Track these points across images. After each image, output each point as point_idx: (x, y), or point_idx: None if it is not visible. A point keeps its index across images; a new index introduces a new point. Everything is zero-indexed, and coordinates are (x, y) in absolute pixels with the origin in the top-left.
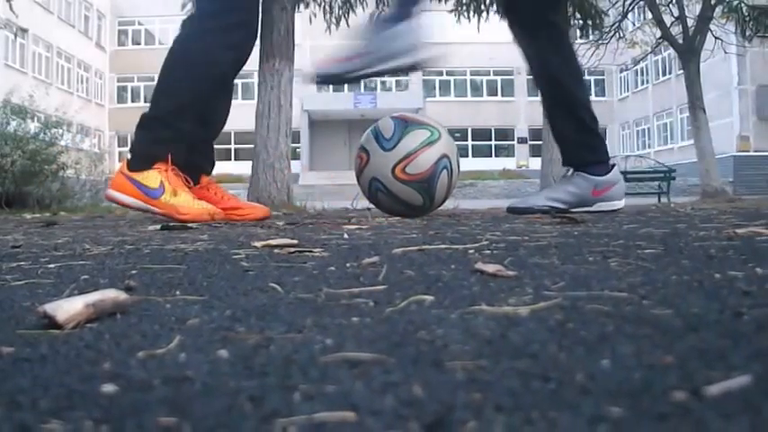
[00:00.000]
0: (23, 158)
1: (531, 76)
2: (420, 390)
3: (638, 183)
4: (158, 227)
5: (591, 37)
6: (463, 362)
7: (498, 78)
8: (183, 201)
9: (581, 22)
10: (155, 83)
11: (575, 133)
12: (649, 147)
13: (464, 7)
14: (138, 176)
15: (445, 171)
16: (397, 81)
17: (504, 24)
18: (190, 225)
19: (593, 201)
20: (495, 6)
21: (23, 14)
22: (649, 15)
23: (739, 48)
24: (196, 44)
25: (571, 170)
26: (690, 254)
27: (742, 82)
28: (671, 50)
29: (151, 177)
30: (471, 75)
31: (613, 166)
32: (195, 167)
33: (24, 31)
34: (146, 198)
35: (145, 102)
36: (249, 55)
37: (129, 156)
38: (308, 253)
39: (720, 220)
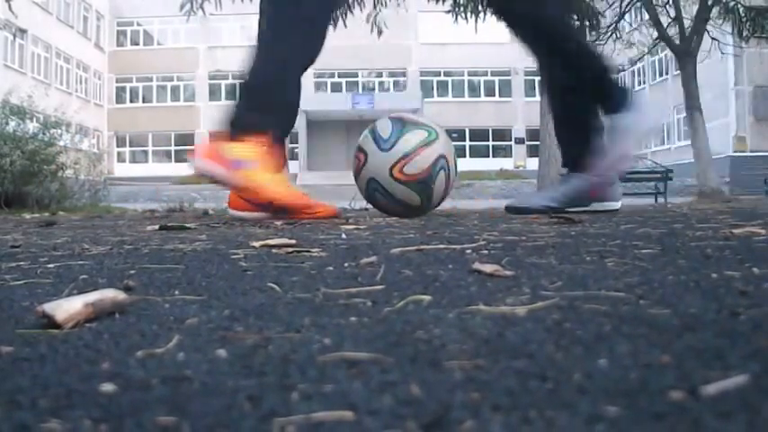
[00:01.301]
0: (22, 159)
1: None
2: (418, 389)
3: (635, 183)
4: (157, 227)
5: (588, 38)
6: (461, 361)
7: (496, 79)
8: (273, 181)
9: (578, 23)
10: (153, 83)
11: (575, 135)
12: (646, 147)
13: (461, 8)
14: (228, 145)
15: (443, 171)
16: (394, 82)
17: (502, 25)
18: (188, 225)
19: (589, 201)
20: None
21: (22, 15)
22: (646, 16)
23: (736, 48)
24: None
25: (567, 170)
26: (687, 254)
27: (739, 83)
28: (668, 51)
29: (243, 148)
30: (469, 75)
31: None
32: None
33: (23, 31)
34: (227, 165)
35: (144, 102)
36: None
37: (226, 129)
38: (306, 253)
39: (717, 221)
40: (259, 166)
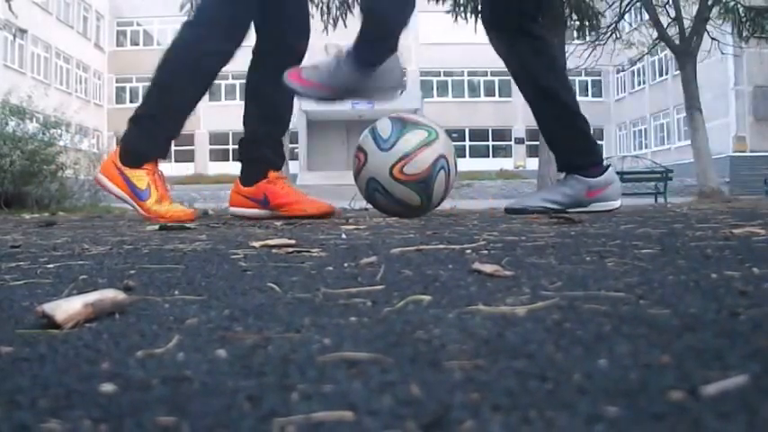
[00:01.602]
0: (22, 159)
1: (518, 87)
2: (418, 389)
3: (635, 183)
4: (157, 227)
5: (588, 38)
6: (461, 361)
7: (495, 79)
8: (166, 210)
9: (578, 23)
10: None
11: (566, 140)
12: (646, 147)
13: (461, 8)
14: (129, 173)
15: (443, 171)
16: None
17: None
18: (188, 225)
19: (587, 201)
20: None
21: (22, 15)
22: (646, 16)
23: (736, 48)
24: (187, 52)
25: (564, 174)
26: (687, 254)
27: (738, 83)
28: (667, 51)
29: (140, 178)
30: (468, 75)
31: (608, 167)
32: (264, 162)
33: (23, 31)
34: (133, 196)
35: None
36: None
37: (119, 148)
38: (306, 253)
39: (717, 221)
40: (152, 197)
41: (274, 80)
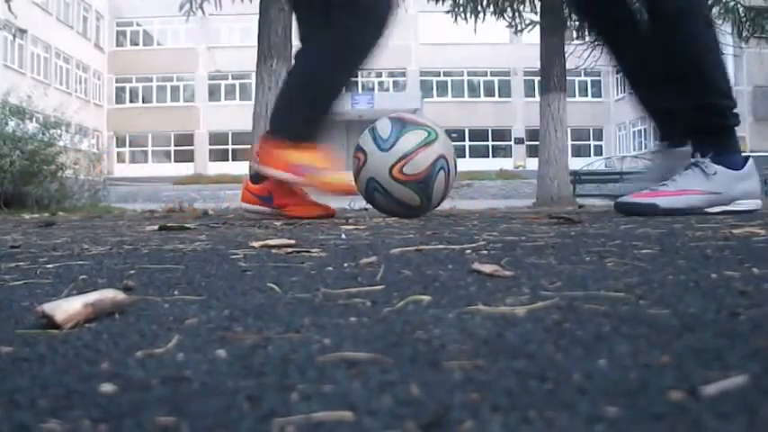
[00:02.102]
0: (22, 159)
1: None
2: (417, 389)
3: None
4: (156, 227)
5: (587, 38)
6: (460, 362)
7: (495, 79)
8: (331, 178)
9: (577, 23)
10: (153, 83)
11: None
12: (646, 147)
13: (461, 8)
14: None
15: (442, 171)
16: (394, 82)
17: (501, 25)
18: (188, 225)
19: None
20: (491, 7)
21: (22, 15)
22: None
23: (735, 48)
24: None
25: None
26: (686, 254)
27: (738, 83)
28: None
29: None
30: (468, 75)
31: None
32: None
33: (23, 31)
34: (297, 171)
35: (143, 102)
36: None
37: (274, 134)
38: (305, 253)
39: (717, 221)
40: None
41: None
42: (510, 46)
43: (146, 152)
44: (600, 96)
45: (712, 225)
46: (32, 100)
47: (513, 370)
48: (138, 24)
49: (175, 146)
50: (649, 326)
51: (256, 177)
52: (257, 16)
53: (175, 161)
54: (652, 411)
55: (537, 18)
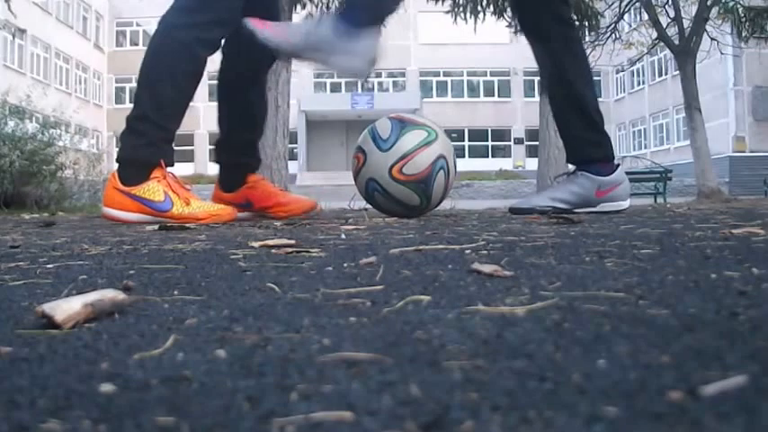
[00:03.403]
0: (21, 159)
1: (540, 77)
2: (417, 389)
3: (634, 183)
4: (156, 227)
5: (587, 38)
6: (460, 362)
7: (495, 79)
8: (198, 208)
9: (578, 23)
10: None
11: (582, 131)
12: (645, 147)
13: (460, 8)
14: (137, 190)
15: (442, 171)
16: (394, 82)
17: (501, 25)
18: (188, 225)
19: (596, 201)
20: (491, 8)
21: (22, 15)
22: (645, 16)
23: (735, 49)
24: (172, 39)
25: (574, 169)
26: (686, 254)
27: (738, 83)
28: (667, 51)
29: (152, 189)
30: (468, 75)
31: (618, 165)
32: (241, 167)
33: (22, 31)
34: (155, 212)
35: None
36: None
37: (117, 168)
38: (305, 253)
39: (716, 221)
40: (175, 203)
41: (250, 81)
42: (510, 46)
43: None
44: (600, 96)
45: (712, 225)
46: (32, 100)
47: (512, 370)
48: (137, 24)
49: (175, 146)
50: (649, 326)
51: (227, 186)
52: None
53: (175, 161)
54: (651, 411)
55: None
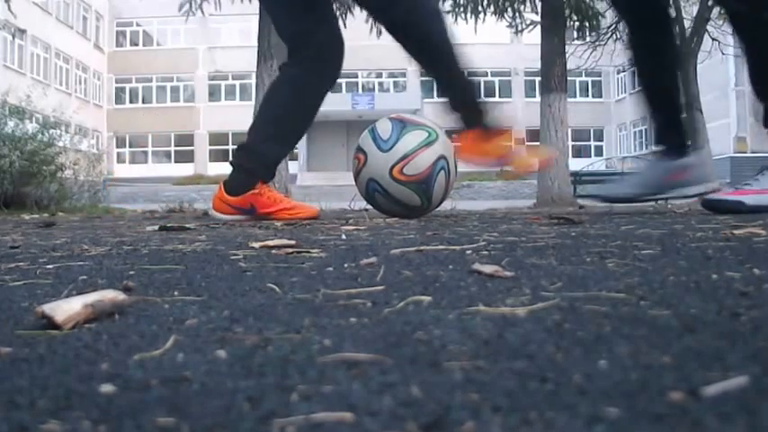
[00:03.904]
0: (21, 159)
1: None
2: (418, 390)
3: None
4: (156, 227)
5: (588, 38)
6: (461, 362)
7: (496, 80)
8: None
9: (578, 23)
10: (153, 83)
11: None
12: (647, 148)
13: (461, 8)
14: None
15: (443, 172)
16: (394, 82)
17: (501, 25)
18: (188, 226)
19: (681, 184)
20: (492, 8)
21: (21, 15)
22: None
23: (736, 49)
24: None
25: (663, 149)
26: (687, 254)
27: (739, 83)
28: None
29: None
30: (468, 76)
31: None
32: (257, 174)
33: (22, 31)
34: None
35: (143, 102)
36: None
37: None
38: (305, 254)
39: (718, 221)
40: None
41: (311, 110)
42: (510, 46)
43: (146, 153)
44: (600, 96)
45: (713, 226)
46: (32, 100)
47: (513, 371)
48: (137, 24)
49: (175, 146)
50: (650, 327)
51: (234, 189)
52: (257, 16)
53: (175, 162)
54: (652, 412)
55: (537, 18)
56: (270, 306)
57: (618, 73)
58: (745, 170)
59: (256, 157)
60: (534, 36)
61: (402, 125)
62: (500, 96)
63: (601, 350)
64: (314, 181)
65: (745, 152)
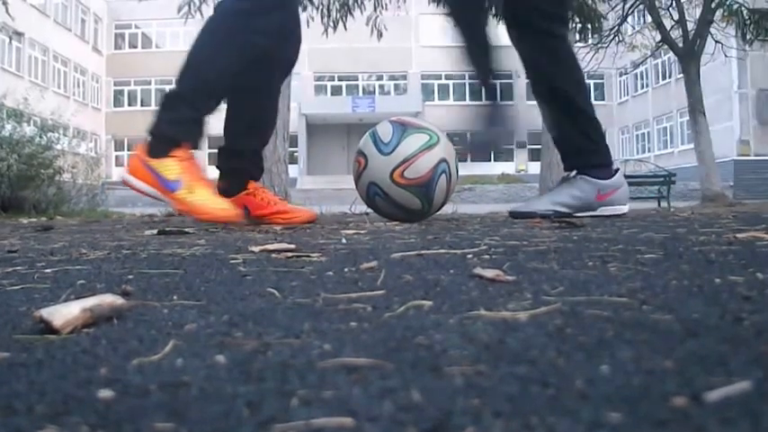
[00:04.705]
0: (19, 162)
1: (529, 84)
2: (418, 395)
3: (638, 187)
4: (155, 231)
5: (590, 40)
6: (462, 367)
7: (497, 82)
8: (200, 199)
9: (580, 25)
10: (152, 86)
11: (577, 138)
12: (649, 151)
13: None
14: (156, 164)
15: (444, 175)
16: (395, 85)
17: (503, 29)
18: (187, 230)
19: (597, 205)
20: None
21: (19, 18)
22: (649, 19)
23: (740, 51)
24: (225, 24)
25: (574, 173)
26: (690, 258)
27: (742, 86)
28: (671, 54)
29: (169, 167)
30: (470, 78)
31: (617, 170)
32: (243, 173)
33: (20, 34)
34: (162, 188)
35: (142, 105)
36: (292, 48)
37: (147, 139)
38: (305, 258)
39: (720, 225)
40: (183, 187)
41: (265, 91)
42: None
43: None
44: (603, 99)
45: (716, 230)
46: (30, 103)
47: (514, 376)
48: (136, 27)
49: None
50: (652, 331)
51: (226, 191)
52: None
53: None
54: (655, 417)
55: None
56: (269, 310)
57: (620, 75)
58: (748, 173)
59: (237, 156)
60: None
61: (403, 128)
62: (501, 99)
63: (603, 355)
64: (314, 184)
65: (749, 155)
